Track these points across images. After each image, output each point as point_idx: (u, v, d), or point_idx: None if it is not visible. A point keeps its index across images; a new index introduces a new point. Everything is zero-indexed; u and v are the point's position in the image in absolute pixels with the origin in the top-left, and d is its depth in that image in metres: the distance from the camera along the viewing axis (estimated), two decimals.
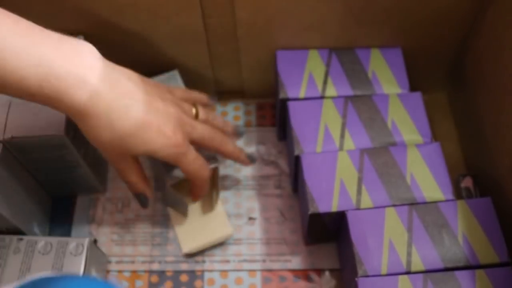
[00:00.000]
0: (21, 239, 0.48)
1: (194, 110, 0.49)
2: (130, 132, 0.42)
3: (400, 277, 0.43)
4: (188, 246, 0.53)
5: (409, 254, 0.44)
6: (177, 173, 0.50)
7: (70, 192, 0.56)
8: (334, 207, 0.46)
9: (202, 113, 0.50)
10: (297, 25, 0.52)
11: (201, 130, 0.47)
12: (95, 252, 0.49)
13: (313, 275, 0.53)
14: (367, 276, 0.43)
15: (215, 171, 0.53)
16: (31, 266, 0.46)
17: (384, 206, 0.46)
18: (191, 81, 0.60)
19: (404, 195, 0.47)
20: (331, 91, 0.52)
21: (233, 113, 0.62)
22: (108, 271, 0.53)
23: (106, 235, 0.55)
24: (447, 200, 0.47)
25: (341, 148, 0.49)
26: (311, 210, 0.46)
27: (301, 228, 0.55)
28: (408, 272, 0.43)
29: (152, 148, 0.44)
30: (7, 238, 0.48)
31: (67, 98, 0.38)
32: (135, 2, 0.50)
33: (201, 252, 0.54)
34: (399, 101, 0.51)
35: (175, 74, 0.57)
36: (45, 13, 0.50)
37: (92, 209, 0.56)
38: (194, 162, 0.47)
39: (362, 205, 0.46)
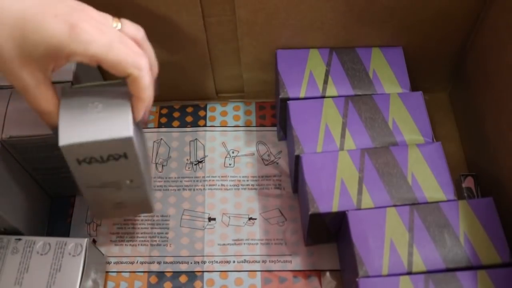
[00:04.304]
0: (19, 239, 0.48)
1: (117, 24, 0.40)
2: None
3: (401, 277, 0.42)
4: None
5: (410, 254, 0.44)
6: None
7: (69, 192, 0.56)
8: (335, 207, 0.46)
9: (127, 28, 0.40)
10: (298, 24, 0.52)
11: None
12: (94, 253, 0.49)
13: (314, 276, 0.52)
14: (368, 276, 0.43)
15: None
16: (29, 267, 0.46)
17: (385, 206, 0.46)
18: (191, 80, 0.60)
19: (405, 195, 0.46)
20: (331, 90, 0.52)
21: (233, 113, 0.62)
22: (107, 272, 0.53)
23: (105, 236, 0.55)
24: (448, 200, 0.46)
25: (341, 148, 0.49)
26: (312, 210, 0.46)
27: (301, 228, 0.54)
28: (409, 273, 0.43)
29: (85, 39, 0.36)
30: (5, 238, 0.48)
31: None
32: (135, 1, 0.49)
33: (200, 252, 0.54)
34: (400, 101, 0.51)
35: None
36: None
37: None
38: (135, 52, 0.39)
39: (363, 205, 0.46)
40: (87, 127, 0.39)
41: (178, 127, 0.61)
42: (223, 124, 0.61)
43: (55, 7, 0.36)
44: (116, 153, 0.41)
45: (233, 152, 0.59)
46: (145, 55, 0.40)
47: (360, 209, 0.46)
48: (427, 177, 0.47)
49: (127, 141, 0.40)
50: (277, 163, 0.58)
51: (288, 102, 0.51)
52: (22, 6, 0.35)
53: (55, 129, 0.40)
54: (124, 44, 0.38)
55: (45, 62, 0.37)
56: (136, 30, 0.41)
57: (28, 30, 0.35)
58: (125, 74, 0.39)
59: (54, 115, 0.40)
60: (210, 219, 0.56)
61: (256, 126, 0.61)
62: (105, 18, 0.39)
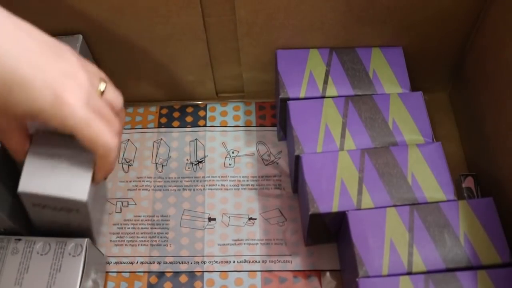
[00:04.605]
0: (19, 240, 0.47)
1: (102, 85, 0.41)
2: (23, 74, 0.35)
3: (401, 277, 0.42)
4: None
5: (410, 254, 0.44)
6: None
7: None
8: (335, 207, 0.46)
9: (109, 93, 0.42)
10: (298, 24, 0.52)
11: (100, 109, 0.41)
12: (93, 253, 0.49)
13: (314, 276, 0.52)
14: (368, 276, 0.43)
15: None
16: (29, 267, 0.46)
17: (385, 206, 0.46)
18: (191, 80, 0.60)
19: (405, 195, 0.46)
20: (331, 90, 0.52)
21: (233, 113, 0.62)
22: (107, 272, 0.53)
23: (105, 236, 0.55)
24: (448, 200, 0.46)
25: (341, 148, 0.49)
26: (312, 211, 0.46)
27: (301, 228, 0.54)
28: (409, 273, 0.43)
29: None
30: (5, 238, 0.48)
31: None
32: (135, 1, 0.49)
33: (200, 252, 0.54)
34: (400, 101, 0.51)
35: (78, 38, 0.52)
36: (43, 12, 0.49)
37: None
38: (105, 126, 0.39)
39: (363, 205, 0.46)
40: (47, 179, 0.42)
41: (178, 127, 0.61)
42: (223, 124, 0.61)
43: (47, 71, 0.36)
44: (69, 208, 0.43)
45: (233, 152, 0.59)
46: (119, 133, 0.41)
47: (360, 209, 0.46)
48: (427, 177, 0.47)
49: (81, 203, 0.42)
50: (277, 163, 0.58)
51: (288, 102, 0.51)
52: (15, 65, 0.35)
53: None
54: (102, 117, 0.39)
55: (23, 118, 0.39)
56: (116, 97, 0.42)
57: (14, 90, 0.35)
58: (94, 151, 0.40)
59: (22, 155, 0.42)
60: (210, 219, 0.56)
61: (256, 126, 0.61)
62: (93, 82, 0.40)
